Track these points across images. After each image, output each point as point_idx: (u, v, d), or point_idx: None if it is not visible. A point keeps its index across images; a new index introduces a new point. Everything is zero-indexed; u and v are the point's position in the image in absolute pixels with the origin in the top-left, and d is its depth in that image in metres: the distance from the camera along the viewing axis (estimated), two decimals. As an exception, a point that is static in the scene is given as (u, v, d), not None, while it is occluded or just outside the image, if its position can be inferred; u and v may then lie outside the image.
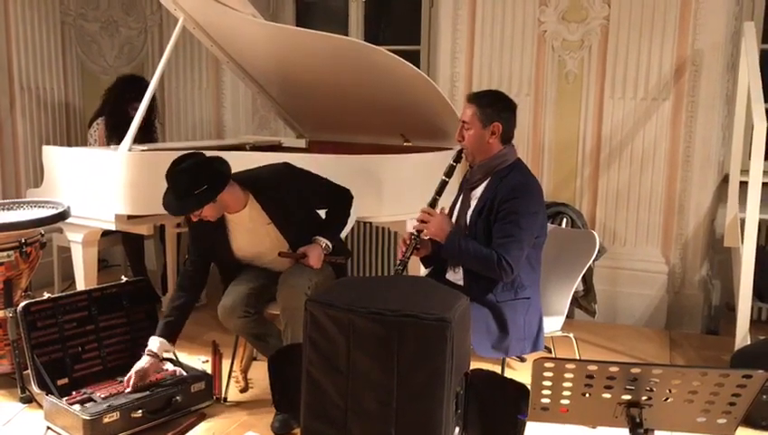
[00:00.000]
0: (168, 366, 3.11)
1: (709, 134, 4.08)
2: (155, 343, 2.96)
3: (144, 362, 2.94)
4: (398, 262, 2.82)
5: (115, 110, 4.43)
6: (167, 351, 3.00)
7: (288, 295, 2.88)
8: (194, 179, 2.74)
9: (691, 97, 4.07)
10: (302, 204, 3.03)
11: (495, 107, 2.74)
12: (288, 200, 2.97)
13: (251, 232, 3.01)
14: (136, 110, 4.30)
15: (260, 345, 3.08)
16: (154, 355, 2.95)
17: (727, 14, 3.98)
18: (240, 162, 3.05)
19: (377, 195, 3.38)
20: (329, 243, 3.01)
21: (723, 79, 4.06)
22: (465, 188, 2.87)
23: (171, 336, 3.00)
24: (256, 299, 3.01)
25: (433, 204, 2.82)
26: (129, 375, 2.92)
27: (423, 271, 3.05)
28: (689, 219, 4.17)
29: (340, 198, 3.12)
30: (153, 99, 4.41)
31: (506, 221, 2.63)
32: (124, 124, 4.29)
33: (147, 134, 4.33)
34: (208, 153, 2.94)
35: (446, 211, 2.93)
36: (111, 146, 3.88)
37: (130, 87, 4.46)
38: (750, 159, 3.26)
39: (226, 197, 2.83)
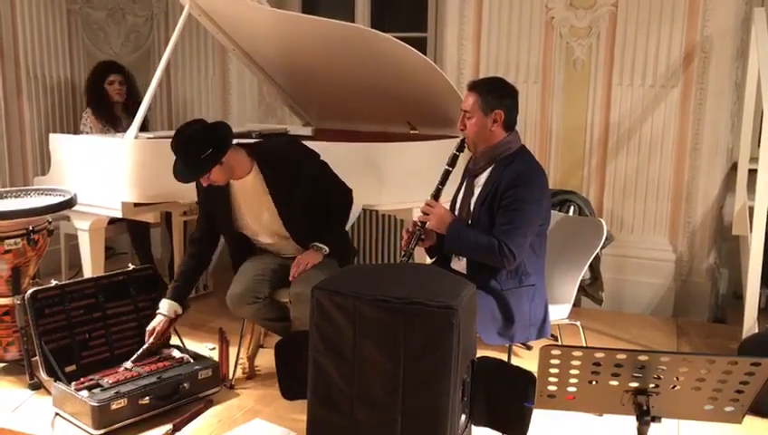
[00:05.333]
0: (176, 353, 3.13)
1: (718, 121, 4.05)
2: (164, 304, 3.07)
3: (155, 321, 3.05)
4: (401, 252, 2.81)
5: (94, 91, 4.54)
6: (177, 313, 3.09)
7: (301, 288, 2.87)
8: (199, 144, 2.80)
9: (700, 84, 4.03)
10: (302, 183, 3.01)
11: (496, 94, 2.71)
12: (288, 174, 2.99)
13: (252, 200, 3.04)
14: (112, 83, 4.53)
15: (275, 326, 3.11)
16: (163, 316, 3.06)
17: (737, -1, 3.95)
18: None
19: (380, 182, 3.37)
20: (327, 248, 3.04)
21: (732, 66, 4.03)
22: (469, 175, 2.85)
23: (180, 298, 3.09)
24: (264, 284, 3.03)
25: (437, 194, 2.80)
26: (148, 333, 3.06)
27: (429, 262, 3.04)
28: (697, 207, 4.15)
29: (340, 196, 3.11)
30: (134, 83, 4.53)
31: (510, 209, 2.62)
32: (105, 102, 4.52)
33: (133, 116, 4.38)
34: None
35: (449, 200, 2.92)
36: (118, 134, 3.88)
37: (102, 69, 4.59)
38: (759, 146, 3.24)
39: (233, 160, 2.89)
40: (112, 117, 4.51)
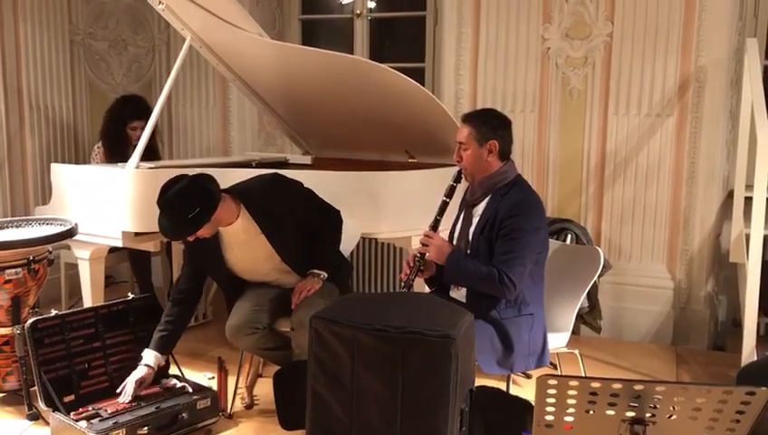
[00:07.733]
0: (174, 382, 3.12)
1: (713, 150, 4.08)
2: (149, 355, 3.03)
3: (141, 372, 3.00)
4: (401, 283, 2.83)
5: (113, 130, 4.47)
6: (159, 364, 3.07)
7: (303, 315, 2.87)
8: (186, 204, 2.75)
9: (695, 113, 4.08)
10: (292, 215, 3.02)
11: (490, 125, 2.75)
12: (277, 210, 2.99)
13: (245, 243, 3.03)
14: (134, 129, 4.38)
15: (274, 356, 3.09)
16: (149, 367, 3.01)
17: (730, 30, 4.00)
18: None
19: (379, 211, 3.40)
20: (324, 273, 3.05)
21: (726, 95, 4.07)
22: (466, 205, 2.87)
23: (164, 349, 3.06)
24: (263, 314, 3.03)
25: (435, 225, 2.82)
26: (124, 385, 2.98)
27: (428, 292, 3.05)
28: (695, 235, 4.17)
29: (328, 218, 3.12)
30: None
31: (508, 238, 2.64)
32: (122, 144, 4.37)
33: (149, 152, 4.35)
34: (193, 171, 2.96)
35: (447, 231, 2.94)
36: (118, 164, 3.91)
37: (129, 106, 4.51)
38: (755, 173, 3.27)
39: (220, 212, 2.85)
40: (125, 154, 4.44)
